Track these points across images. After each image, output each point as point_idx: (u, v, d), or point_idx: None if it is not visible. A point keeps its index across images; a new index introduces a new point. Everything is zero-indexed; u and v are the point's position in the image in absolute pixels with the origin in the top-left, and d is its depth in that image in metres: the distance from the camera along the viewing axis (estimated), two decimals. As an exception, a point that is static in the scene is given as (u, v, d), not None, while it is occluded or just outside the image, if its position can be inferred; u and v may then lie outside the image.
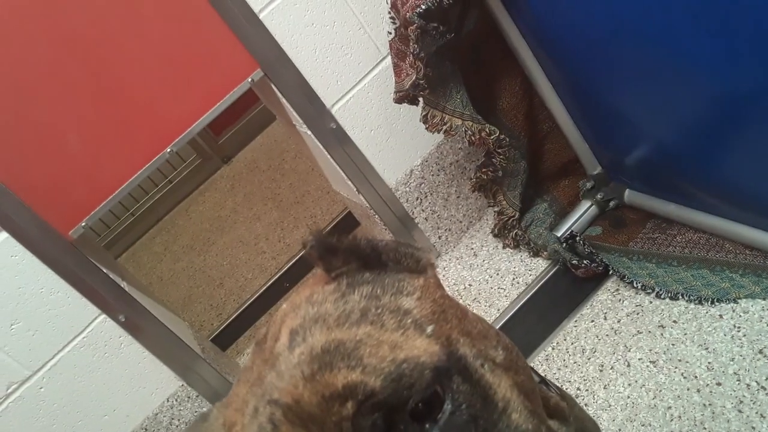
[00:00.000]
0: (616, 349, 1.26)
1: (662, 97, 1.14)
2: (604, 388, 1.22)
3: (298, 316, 0.47)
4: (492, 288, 1.58)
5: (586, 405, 1.21)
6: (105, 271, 1.41)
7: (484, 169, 1.48)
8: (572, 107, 1.44)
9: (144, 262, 3.02)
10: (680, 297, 1.25)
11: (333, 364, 0.42)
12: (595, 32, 1.15)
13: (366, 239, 0.51)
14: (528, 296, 1.50)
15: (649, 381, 1.18)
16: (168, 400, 1.52)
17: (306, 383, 0.42)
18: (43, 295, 1.36)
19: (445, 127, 1.36)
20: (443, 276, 1.70)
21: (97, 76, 1.30)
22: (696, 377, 1.13)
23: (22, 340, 1.36)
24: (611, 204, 1.53)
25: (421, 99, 1.36)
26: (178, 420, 1.54)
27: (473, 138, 1.36)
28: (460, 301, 1.65)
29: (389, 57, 1.43)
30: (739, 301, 1.18)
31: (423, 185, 1.65)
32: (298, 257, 2.27)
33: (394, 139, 1.58)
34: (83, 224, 1.37)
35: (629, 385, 1.19)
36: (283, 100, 1.46)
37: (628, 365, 1.23)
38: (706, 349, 1.16)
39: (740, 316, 1.17)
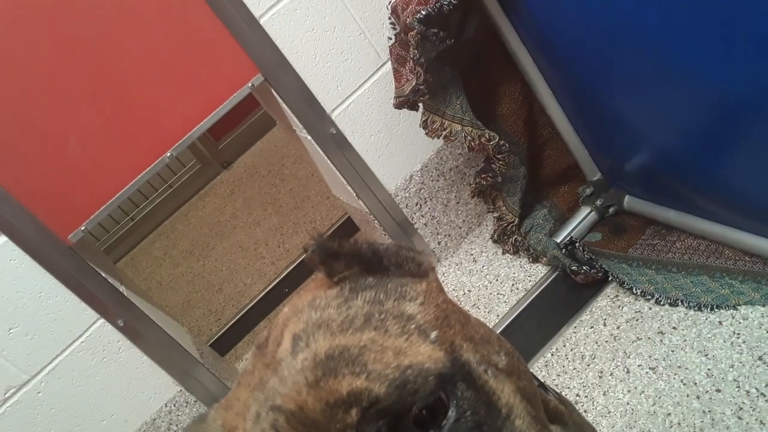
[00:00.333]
0: (616, 356, 1.26)
1: (662, 103, 1.14)
2: (604, 394, 1.21)
3: (301, 320, 0.46)
4: (491, 294, 1.58)
5: (585, 411, 1.21)
6: (104, 275, 1.41)
7: (483, 175, 1.48)
8: (572, 113, 1.44)
9: (143, 266, 3.02)
10: (680, 303, 1.25)
11: (337, 370, 0.42)
12: (594, 38, 1.15)
13: (367, 243, 0.50)
14: (527, 302, 1.50)
15: (649, 387, 1.17)
16: (166, 406, 1.52)
17: (310, 389, 0.41)
18: (42, 299, 1.36)
19: (444, 133, 1.36)
20: (443, 282, 1.70)
21: (97, 81, 1.30)
22: (695, 384, 1.13)
23: (21, 344, 1.36)
24: (611, 210, 1.53)
25: (420, 104, 1.36)
26: (176, 425, 1.53)
27: (473, 143, 1.36)
28: (460, 307, 1.64)
29: (389, 62, 1.43)
30: (738, 307, 1.18)
31: (423, 191, 1.65)
32: (297, 263, 2.26)
33: (393, 144, 1.58)
34: (82, 228, 1.37)
35: (629, 391, 1.19)
36: (283, 105, 1.46)
37: (628, 372, 1.22)
38: (706, 355, 1.16)
39: (740, 322, 1.16)
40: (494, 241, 1.67)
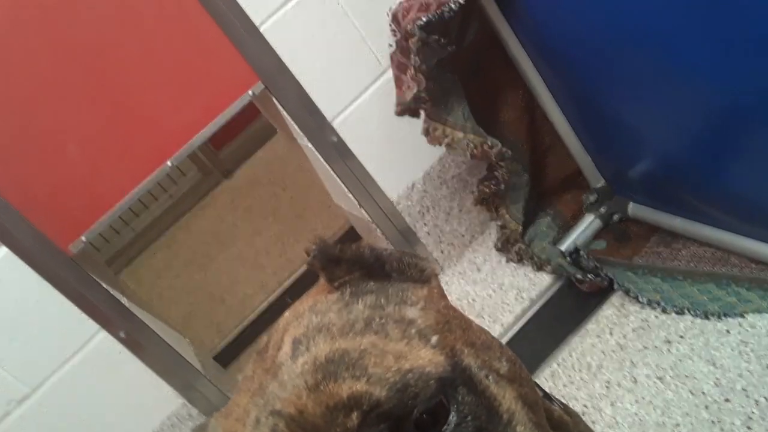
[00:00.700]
0: (623, 365, 1.25)
1: (665, 108, 1.14)
2: (611, 405, 1.20)
3: (301, 325, 0.46)
4: (496, 303, 1.57)
5: (593, 422, 1.19)
6: (105, 286, 1.40)
7: (486, 183, 1.47)
8: (574, 119, 1.43)
9: (145, 278, 3.01)
10: (686, 312, 1.24)
11: (337, 374, 0.41)
12: (596, 43, 1.14)
13: (370, 248, 0.50)
14: (532, 311, 1.48)
15: (657, 397, 1.16)
16: (169, 419, 1.50)
17: (310, 393, 0.41)
18: (43, 311, 1.34)
19: (446, 140, 1.35)
20: (446, 291, 1.68)
21: (97, 89, 1.30)
22: (704, 393, 1.11)
23: (22, 356, 1.35)
24: (615, 217, 1.52)
25: (422, 112, 1.35)
26: (179, 438, 1.52)
27: (475, 151, 1.35)
28: (464, 316, 1.62)
29: (390, 70, 1.43)
30: (746, 315, 1.17)
31: (425, 199, 1.64)
32: (300, 272, 2.25)
33: (395, 152, 1.58)
34: (83, 239, 1.36)
35: (636, 401, 1.18)
36: (284, 113, 1.46)
37: (635, 381, 1.21)
38: (714, 364, 1.14)
39: (747, 331, 1.15)
40: (498, 250, 1.65)
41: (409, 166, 1.60)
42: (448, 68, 1.30)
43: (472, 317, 1.66)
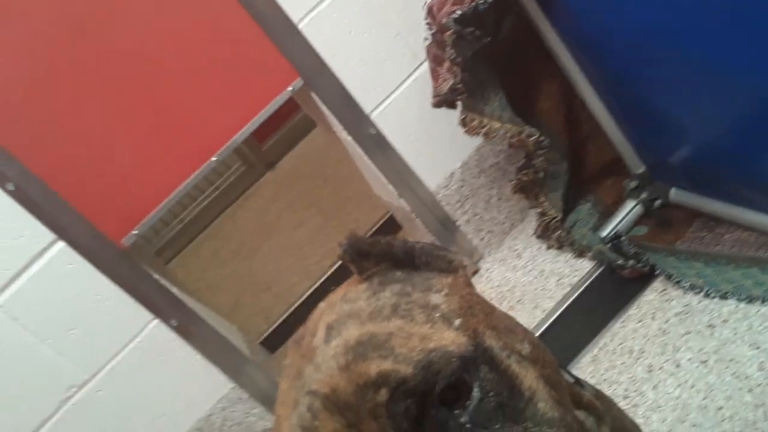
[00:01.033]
0: (665, 350, 1.24)
1: (706, 95, 1.12)
2: (654, 388, 1.20)
3: (334, 312, 0.50)
4: (536, 289, 1.57)
5: (635, 406, 1.20)
6: (157, 277, 1.46)
7: (524, 171, 1.48)
8: (614, 107, 1.42)
9: (193, 267, 3.10)
10: (730, 296, 1.23)
11: (366, 354, 0.45)
12: (635, 33, 1.14)
13: (400, 242, 0.53)
14: (573, 297, 1.49)
15: (700, 381, 1.16)
16: (220, 402, 1.56)
17: (341, 373, 0.44)
18: (99, 302, 1.41)
19: (484, 130, 1.36)
20: (487, 278, 1.70)
21: (145, 92, 1.35)
22: (747, 377, 1.11)
23: (80, 345, 1.42)
24: (656, 203, 1.51)
25: (459, 103, 1.36)
26: (231, 421, 1.58)
27: (512, 140, 1.36)
28: (504, 303, 1.64)
29: (426, 62, 1.44)
30: (790, 299, 1.16)
31: (464, 188, 1.66)
32: (341, 261, 2.28)
33: (433, 143, 1.59)
34: (135, 232, 1.42)
35: (679, 385, 1.18)
36: (324, 108, 1.49)
37: (678, 366, 1.21)
38: (758, 348, 1.13)
39: (792, 315, 1.14)
40: (538, 237, 1.66)
41: (448, 156, 1.62)
42: (483, 59, 1.31)
43: (512, 304, 1.67)
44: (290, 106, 1.47)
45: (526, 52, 1.45)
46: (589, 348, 1.36)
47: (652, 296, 1.36)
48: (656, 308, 1.33)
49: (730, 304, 1.23)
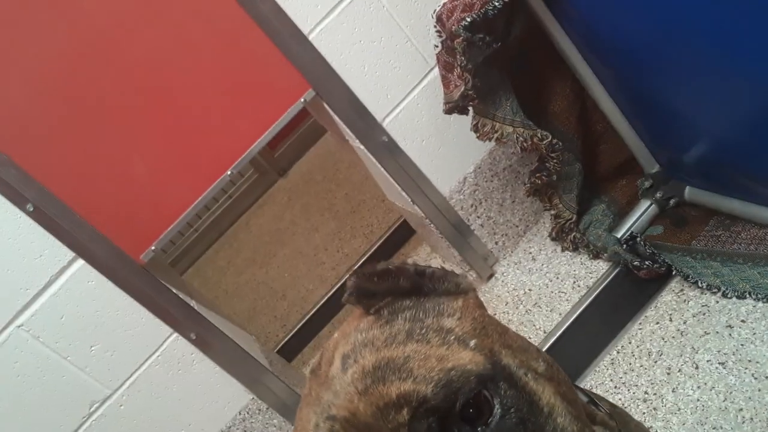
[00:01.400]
0: (684, 351, 1.24)
1: (719, 91, 1.12)
2: (673, 391, 1.20)
3: (349, 342, 0.51)
4: (553, 292, 1.57)
5: (654, 409, 1.20)
6: (175, 291, 1.47)
7: (538, 174, 1.48)
8: (626, 107, 1.42)
9: (208, 276, 3.12)
10: (748, 296, 1.22)
11: (385, 377, 0.46)
12: (647, 31, 1.13)
13: (409, 271, 0.54)
14: (590, 299, 1.48)
15: (719, 383, 1.15)
16: (240, 413, 1.57)
17: (361, 397, 0.45)
18: (119, 317, 1.43)
19: (496, 135, 1.37)
20: (502, 281, 1.70)
21: (158, 109, 1.37)
22: (767, 377, 1.10)
23: (102, 360, 1.44)
24: (671, 202, 1.50)
25: (470, 108, 1.37)
26: (251, 432, 1.59)
27: (525, 144, 1.36)
28: (521, 307, 1.64)
29: (437, 68, 1.44)
30: (811, 298, 1.15)
31: (477, 192, 1.66)
32: (357, 266, 2.29)
33: (445, 148, 1.60)
34: (153, 248, 1.43)
35: (698, 387, 1.17)
36: (336, 118, 1.49)
37: (697, 367, 1.20)
38: (778, 348, 1.13)
39: (813, 313, 1.13)
40: (552, 239, 1.66)
41: (460, 160, 1.62)
42: (494, 64, 1.31)
43: (529, 307, 1.67)
44: (301, 113, 1.47)
45: (536, 53, 1.45)
46: (607, 350, 1.36)
47: (669, 297, 1.35)
48: (674, 309, 1.33)
49: (748, 303, 1.22)
